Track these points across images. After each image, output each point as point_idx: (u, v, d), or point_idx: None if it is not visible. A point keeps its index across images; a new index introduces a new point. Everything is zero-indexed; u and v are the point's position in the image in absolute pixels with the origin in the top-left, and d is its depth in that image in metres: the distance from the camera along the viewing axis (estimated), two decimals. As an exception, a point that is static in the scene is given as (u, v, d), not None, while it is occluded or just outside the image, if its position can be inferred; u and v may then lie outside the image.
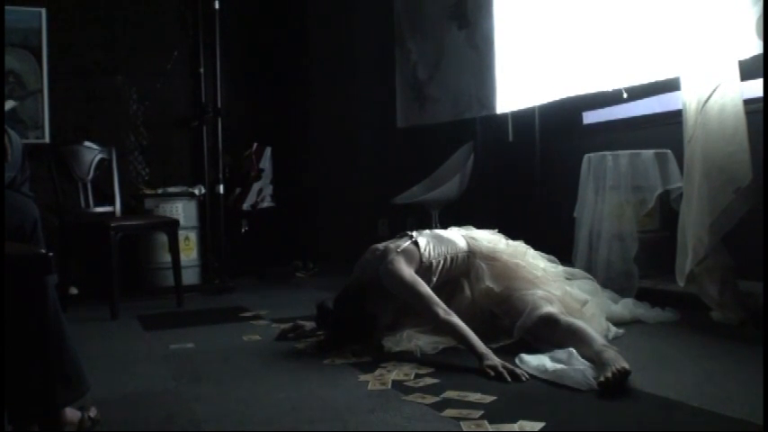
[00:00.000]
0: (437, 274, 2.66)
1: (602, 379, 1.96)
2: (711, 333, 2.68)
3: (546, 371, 2.11)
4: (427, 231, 2.81)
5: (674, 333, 2.73)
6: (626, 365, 2.00)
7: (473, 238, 2.77)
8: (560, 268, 2.87)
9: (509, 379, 2.10)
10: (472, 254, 2.71)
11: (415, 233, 2.74)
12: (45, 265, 1.52)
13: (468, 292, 2.66)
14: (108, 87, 4.87)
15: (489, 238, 2.81)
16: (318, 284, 4.49)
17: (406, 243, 2.67)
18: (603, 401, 1.89)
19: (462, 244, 2.73)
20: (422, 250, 2.65)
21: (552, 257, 2.91)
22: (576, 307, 2.60)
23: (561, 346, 2.24)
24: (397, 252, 2.61)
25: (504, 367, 2.15)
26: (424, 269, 2.63)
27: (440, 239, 2.72)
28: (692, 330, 2.74)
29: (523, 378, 2.11)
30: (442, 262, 2.67)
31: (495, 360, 2.20)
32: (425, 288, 2.52)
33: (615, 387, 1.94)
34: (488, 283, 2.61)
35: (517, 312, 2.48)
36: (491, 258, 2.69)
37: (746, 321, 2.74)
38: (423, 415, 1.83)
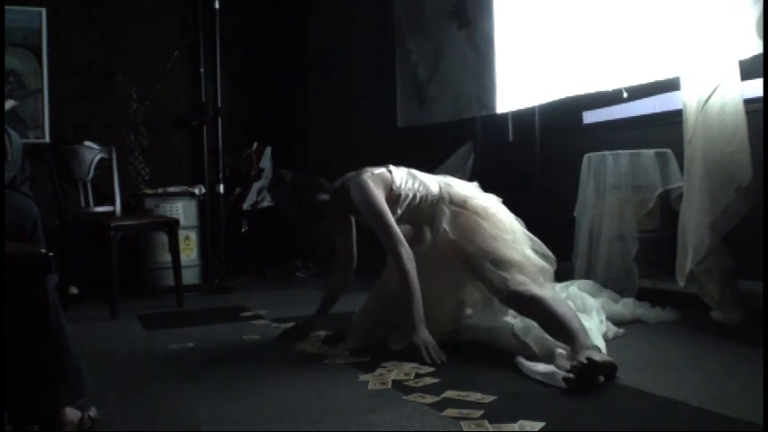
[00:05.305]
0: (403, 207, 2.68)
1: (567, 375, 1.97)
2: (711, 333, 2.68)
3: (538, 372, 2.12)
4: (404, 168, 2.81)
5: (674, 333, 2.73)
6: (584, 360, 1.97)
7: (448, 185, 2.77)
8: (525, 233, 2.77)
9: (428, 360, 2.25)
10: (441, 199, 2.70)
11: (391, 166, 2.76)
12: (45, 265, 1.52)
13: (428, 237, 2.70)
14: (108, 87, 4.87)
15: (465, 187, 2.80)
16: (318, 284, 4.48)
17: (381, 169, 2.71)
18: (603, 401, 1.89)
19: (435, 189, 2.73)
20: (394, 178, 2.68)
21: (546, 249, 2.81)
22: (533, 271, 2.55)
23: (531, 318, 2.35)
24: (372, 174, 2.65)
25: (431, 347, 2.30)
26: (393, 199, 2.65)
27: (414, 177, 2.74)
28: (692, 330, 2.75)
29: (439, 361, 2.26)
30: (410, 197, 2.68)
31: (423, 336, 2.32)
32: (393, 221, 2.55)
33: (582, 381, 1.94)
34: (444, 225, 2.61)
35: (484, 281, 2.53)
36: (458, 205, 2.67)
37: (746, 321, 2.74)
38: (423, 415, 1.83)
